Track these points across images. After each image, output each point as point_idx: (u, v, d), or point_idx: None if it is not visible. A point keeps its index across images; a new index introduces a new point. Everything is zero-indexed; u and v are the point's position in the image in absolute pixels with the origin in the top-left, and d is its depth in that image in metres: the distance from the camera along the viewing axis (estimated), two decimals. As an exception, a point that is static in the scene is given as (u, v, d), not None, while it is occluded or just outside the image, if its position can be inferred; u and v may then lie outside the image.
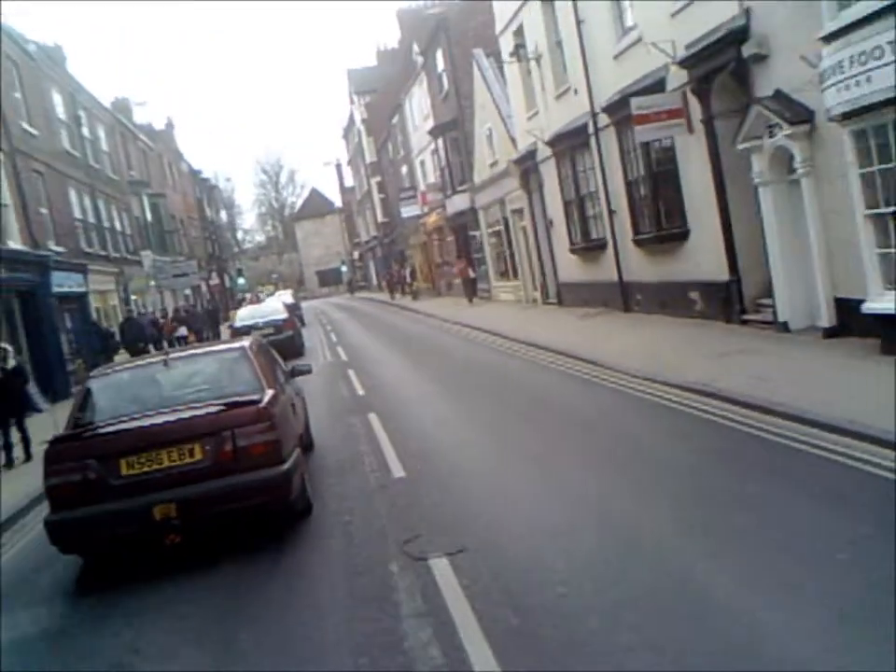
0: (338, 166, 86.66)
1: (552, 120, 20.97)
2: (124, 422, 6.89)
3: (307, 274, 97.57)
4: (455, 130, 32.71)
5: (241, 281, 75.79)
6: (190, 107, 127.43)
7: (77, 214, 28.58)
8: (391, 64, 56.58)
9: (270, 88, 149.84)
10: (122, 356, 24.71)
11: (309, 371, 10.60)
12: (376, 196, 58.88)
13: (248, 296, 66.22)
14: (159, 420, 6.75)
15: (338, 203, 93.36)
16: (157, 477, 6.50)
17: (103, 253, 30.68)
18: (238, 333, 22.09)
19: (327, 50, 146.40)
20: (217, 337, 35.59)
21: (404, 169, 46.56)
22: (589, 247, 19.91)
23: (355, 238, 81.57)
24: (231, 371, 7.74)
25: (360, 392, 14.64)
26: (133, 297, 35.16)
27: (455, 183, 33.29)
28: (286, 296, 43.67)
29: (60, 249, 24.84)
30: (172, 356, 8.11)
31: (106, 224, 32.54)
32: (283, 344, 20.41)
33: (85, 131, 31.77)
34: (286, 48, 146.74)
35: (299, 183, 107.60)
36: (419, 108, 39.49)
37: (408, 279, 44.96)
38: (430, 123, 35.74)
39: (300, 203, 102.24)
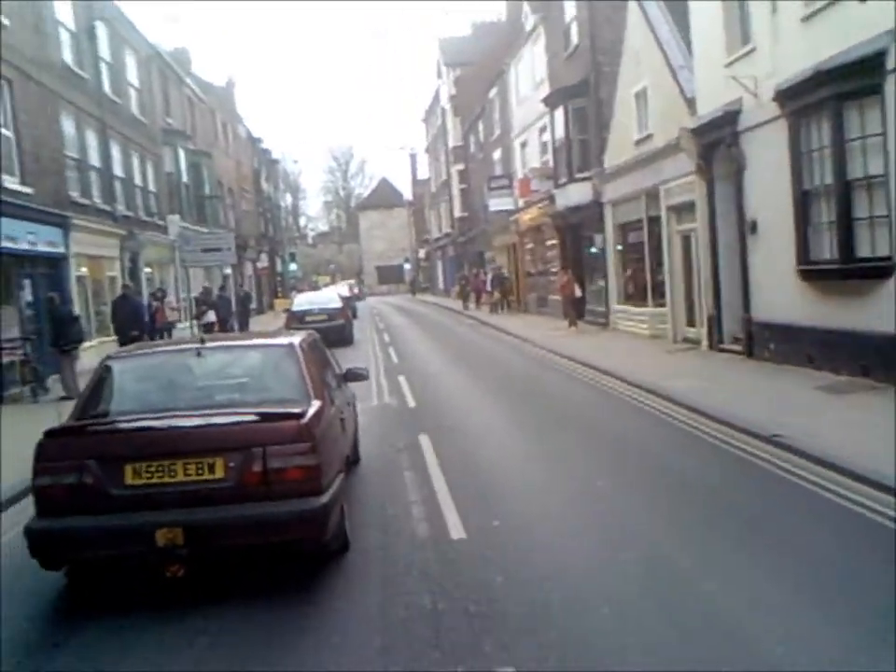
0: (412, 155, 79.88)
1: (787, 59, 12.78)
2: (138, 419, 5.56)
3: (367, 269, 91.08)
4: (582, 96, 24.46)
5: (293, 267, 68.37)
6: (263, 85, 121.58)
7: (72, 151, 21.24)
8: (489, 36, 48.76)
9: (350, 72, 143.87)
10: (90, 350, 17.35)
11: (365, 377, 8.83)
12: (456, 186, 50.99)
13: (299, 286, 60.67)
14: (178, 423, 5.40)
15: (408, 195, 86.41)
16: (166, 492, 5.16)
17: (104, 207, 23.27)
18: (294, 317, 24.30)
19: (414, 32, 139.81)
20: (244, 328, 29.55)
21: (497, 154, 38.43)
22: (848, 272, 11.61)
23: (423, 235, 74.06)
24: (274, 372, 6.32)
25: (455, 533, 6.47)
26: (146, 269, 27.76)
27: (574, 168, 25.14)
28: (342, 288, 43.13)
29: (25, 189, 17.49)
30: (208, 344, 6.52)
31: (119, 173, 25.20)
32: (334, 332, 22.24)
33: (103, 49, 24.47)
34: (368, 28, 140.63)
35: (368, 174, 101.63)
36: (530, 74, 31.33)
37: (488, 287, 36.57)
38: (544, 91, 27.70)
39: (367, 193, 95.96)
